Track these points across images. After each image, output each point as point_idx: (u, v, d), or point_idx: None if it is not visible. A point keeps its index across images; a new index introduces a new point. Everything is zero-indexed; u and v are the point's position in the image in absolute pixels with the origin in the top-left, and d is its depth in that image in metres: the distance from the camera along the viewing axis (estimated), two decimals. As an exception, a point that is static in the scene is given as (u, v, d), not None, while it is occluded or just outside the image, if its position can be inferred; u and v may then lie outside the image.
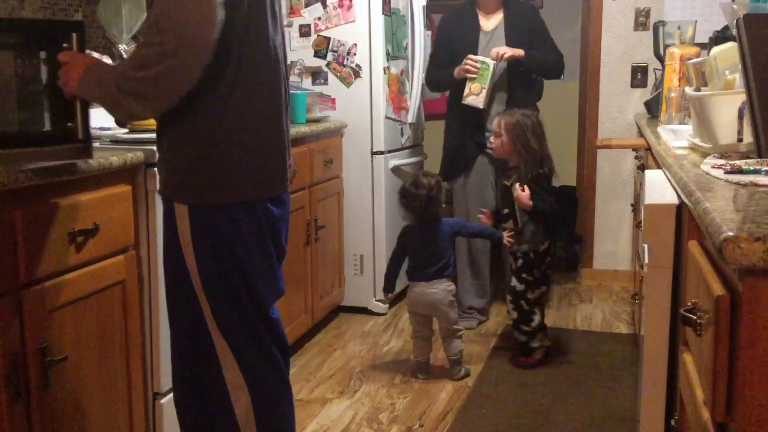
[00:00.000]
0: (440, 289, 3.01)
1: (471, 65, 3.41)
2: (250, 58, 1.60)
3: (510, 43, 3.47)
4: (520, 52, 3.42)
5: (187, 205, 1.63)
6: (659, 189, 1.77)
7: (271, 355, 1.76)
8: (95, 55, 1.96)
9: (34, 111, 1.67)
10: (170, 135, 1.64)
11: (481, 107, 3.45)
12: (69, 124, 1.68)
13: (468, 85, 3.44)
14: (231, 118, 1.60)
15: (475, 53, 3.47)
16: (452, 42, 3.58)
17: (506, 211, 3.15)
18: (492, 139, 3.21)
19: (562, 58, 3.60)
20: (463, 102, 3.46)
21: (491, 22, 3.57)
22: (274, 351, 1.77)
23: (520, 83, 3.54)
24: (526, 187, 3.01)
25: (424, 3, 4.14)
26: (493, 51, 3.41)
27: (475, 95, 3.44)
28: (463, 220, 3.35)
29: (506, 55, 3.40)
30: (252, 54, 1.60)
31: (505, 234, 3.11)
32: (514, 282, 3.13)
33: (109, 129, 2.59)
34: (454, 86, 3.58)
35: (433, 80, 3.77)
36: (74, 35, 1.67)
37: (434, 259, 3.01)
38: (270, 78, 1.66)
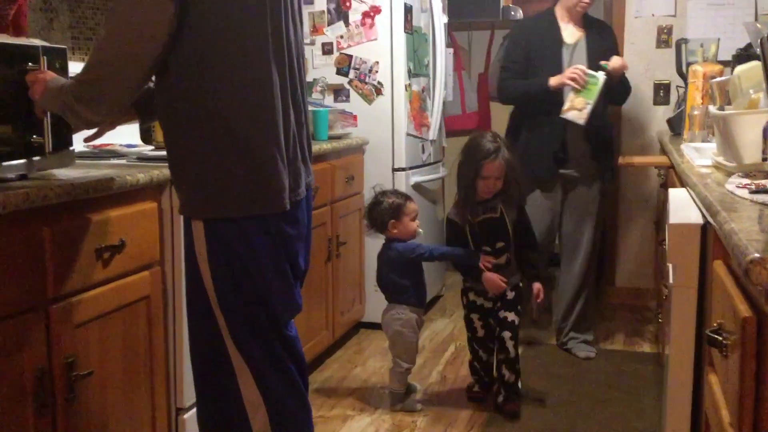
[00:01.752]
0: (388, 314, 2.92)
1: (580, 76, 3.16)
2: (249, 77, 1.61)
3: (591, 58, 3.29)
4: (625, 64, 3.27)
5: (202, 221, 1.65)
6: (683, 208, 1.76)
7: (289, 372, 1.77)
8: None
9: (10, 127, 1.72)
10: (175, 153, 1.68)
11: (582, 124, 3.19)
12: (34, 137, 1.75)
13: (570, 98, 3.18)
14: (231, 132, 1.61)
15: (560, 63, 3.28)
16: (530, 51, 3.36)
17: (501, 244, 2.83)
18: (488, 184, 2.80)
19: (630, 86, 3.48)
20: (561, 115, 3.21)
21: (573, 35, 3.37)
22: (291, 368, 1.77)
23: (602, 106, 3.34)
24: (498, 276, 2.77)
25: (446, 21, 4.17)
26: (615, 60, 3.20)
27: (577, 110, 3.17)
28: (416, 244, 2.91)
29: (620, 65, 3.19)
30: (252, 73, 1.62)
31: (486, 261, 2.79)
32: (510, 316, 2.83)
33: (135, 146, 2.63)
34: (538, 99, 3.31)
35: (511, 91, 3.43)
36: (43, 58, 1.76)
37: (383, 283, 2.93)
38: (272, 94, 1.65)
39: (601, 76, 3.15)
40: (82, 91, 1.60)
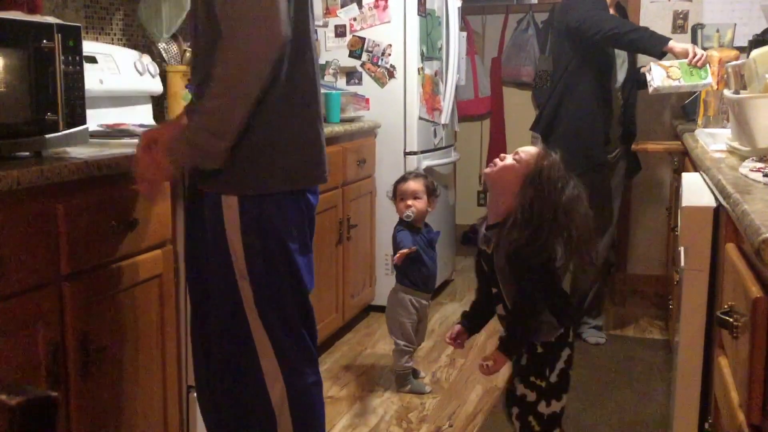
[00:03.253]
0: (390, 292, 2.96)
1: (701, 59, 2.96)
2: (295, 65, 1.65)
3: None
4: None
5: (238, 196, 1.66)
6: (696, 192, 1.75)
7: (306, 345, 1.79)
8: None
9: (24, 104, 1.71)
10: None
11: (650, 92, 3.04)
12: (48, 114, 1.75)
13: (675, 63, 2.98)
14: (279, 113, 1.64)
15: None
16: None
17: (494, 290, 2.01)
18: (488, 170, 2.08)
19: None
20: (646, 67, 3.06)
21: None
22: (308, 341, 1.80)
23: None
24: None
25: (459, 4, 4.14)
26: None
27: (668, 77, 2.98)
28: (401, 241, 2.84)
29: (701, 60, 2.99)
30: (297, 59, 1.65)
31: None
32: (520, 389, 1.94)
33: (148, 126, 2.64)
34: (638, 49, 3.08)
35: (621, 27, 3.01)
36: (58, 35, 1.76)
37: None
38: (313, 77, 1.71)
39: (710, 78, 2.97)
40: (211, 123, 1.57)
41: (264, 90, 1.56)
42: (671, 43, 2.98)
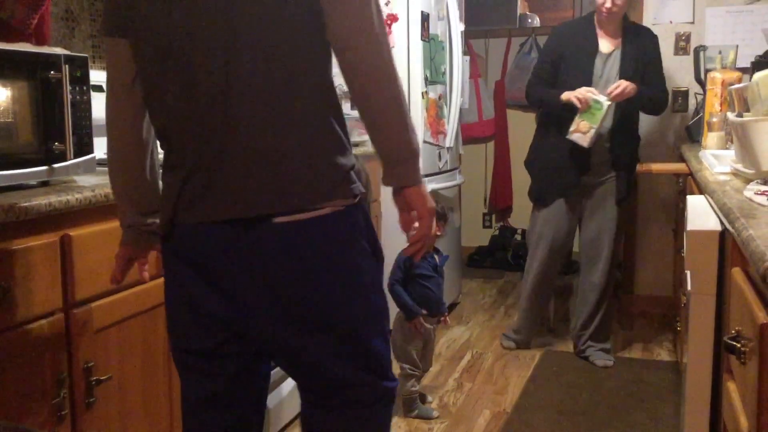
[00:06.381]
0: None
1: (584, 101, 3.14)
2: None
3: (623, 71, 3.24)
4: (631, 89, 3.14)
5: (345, 207, 1.42)
6: (702, 215, 1.75)
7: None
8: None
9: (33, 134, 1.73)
10: (310, 136, 1.39)
11: (586, 147, 3.21)
12: (56, 144, 1.77)
13: (576, 119, 3.19)
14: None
15: (590, 75, 3.26)
16: (563, 57, 3.32)
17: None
18: None
19: (667, 96, 3.39)
20: (567, 136, 3.23)
21: (609, 45, 3.30)
22: None
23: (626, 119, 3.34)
24: None
25: (463, 29, 4.18)
26: (615, 88, 3.14)
27: (582, 133, 3.20)
28: (398, 265, 2.87)
29: (617, 95, 3.13)
30: None
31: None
32: None
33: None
34: (554, 110, 3.33)
35: (535, 96, 3.44)
36: (65, 66, 1.79)
37: None
38: None
39: (605, 102, 3.12)
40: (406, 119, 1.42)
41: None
42: (562, 96, 3.23)
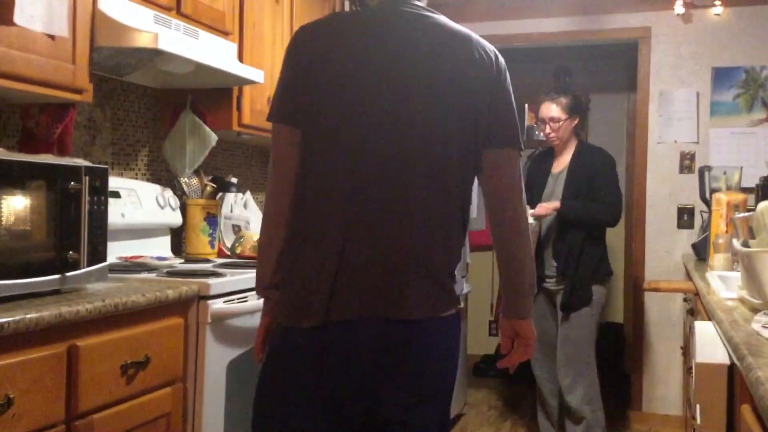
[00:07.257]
0: None
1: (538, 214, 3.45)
2: None
3: (568, 187, 3.43)
4: (552, 207, 3.39)
5: (451, 313, 1.60)
6: (710, 345, 1.75)
7: None
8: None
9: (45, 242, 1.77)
10: (454, 245, 1.62)
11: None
12: (71, 252, 1.80)
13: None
14: None
15: (541, 194, 3.53)
16: (531, 176, 3.63)
17: None
18: None
19: (614, 208, 3.41)
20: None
21: (560, 164, 3.55)
22: None
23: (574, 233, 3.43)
24: None
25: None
26: (538, 208, 3.43)
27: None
28: None
29: (537, 213, 3.40)
30: None
31: None
32: None
33: (166, 259, 2.68)
34: None
35: None
36: (86, 177, 1.84)
37: None
38: None
39: (531, 221, 3.35)
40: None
41: None
42: None
